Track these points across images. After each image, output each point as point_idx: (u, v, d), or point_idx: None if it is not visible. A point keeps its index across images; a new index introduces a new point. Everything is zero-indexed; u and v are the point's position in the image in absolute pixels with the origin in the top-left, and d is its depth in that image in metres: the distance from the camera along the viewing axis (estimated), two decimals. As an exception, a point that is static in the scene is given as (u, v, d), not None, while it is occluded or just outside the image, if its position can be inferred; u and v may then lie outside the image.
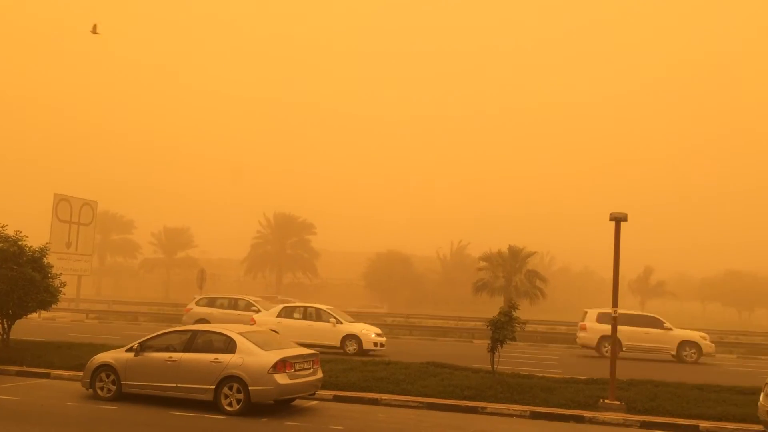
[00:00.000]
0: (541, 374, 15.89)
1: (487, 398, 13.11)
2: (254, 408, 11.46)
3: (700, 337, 24.29)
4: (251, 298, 27.00)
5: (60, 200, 40.55)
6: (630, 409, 12.51)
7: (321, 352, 14.56)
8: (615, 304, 13.29)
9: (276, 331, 17.22)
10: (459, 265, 74.50)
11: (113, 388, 12.36)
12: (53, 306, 18.06)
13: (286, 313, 22.66)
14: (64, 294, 18.30)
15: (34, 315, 19.66)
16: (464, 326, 37.61)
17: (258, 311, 24.42)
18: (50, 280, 17.35)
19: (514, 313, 14.15)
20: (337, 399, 13.28)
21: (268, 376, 11.28)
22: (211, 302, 26.57)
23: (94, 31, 31.32)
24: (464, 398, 13.18)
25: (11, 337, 17.30)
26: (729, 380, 16.30)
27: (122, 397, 12.24)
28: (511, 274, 40.13)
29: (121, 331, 26.77)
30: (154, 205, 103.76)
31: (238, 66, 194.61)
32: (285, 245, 74.81)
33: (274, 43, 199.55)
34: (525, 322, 14.51)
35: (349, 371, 15.10)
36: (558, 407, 12.66)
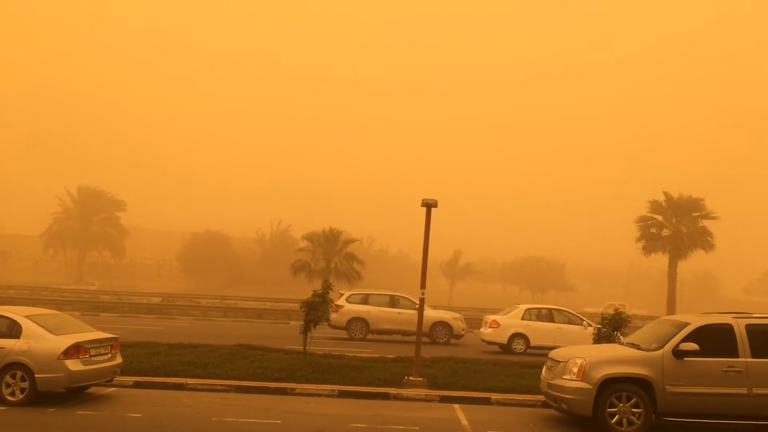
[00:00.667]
0: (352, 354, 16.23)
1: (297, 379, 13.14)
2: (42, 397, 10.47)
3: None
4: (406, 295, 24.36)
5: None
6: (432, 385, 13.19)
7: None
8: (423, 285, 13.88)
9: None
10: (279, 246, 74.08)
11: None
12: None
13: (534, 315, 21.77)
14: None
15: None
16: (281, 308, 37.47)
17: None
18: None
19: (327, 295, 14.27)
20: (138, 385, 12.53)
21: (58, 363, 10.33)
22: (365, 299, 23.59)
23: None
24: (274, 380, 13.08)
25: None
26: (521, 356, 17.78)
27: None
28: (331, 255, 40.59)
29: None
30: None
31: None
32: (90, 222, 69.34)
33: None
34: (338, 305, 14.67)
35: (153, 356, 14.34)
36: (365, 385, 13.00)
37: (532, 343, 20.91)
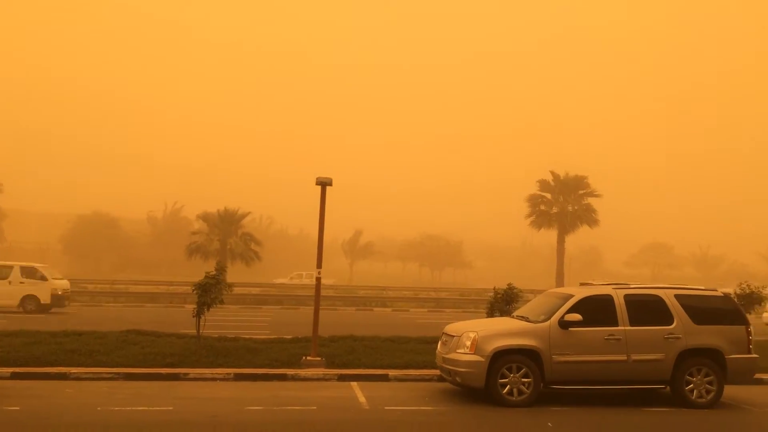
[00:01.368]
0: (248, 336, 15.93)
1: (191, 364, 12.73)
2: None
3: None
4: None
5: None
6: (330, 364, 13.17)
7: None
8: (319, 265, 13.79)
9: None
10: (173, 228, 71.57)
11: None
12: None
13: None
14: None
15: None
16: (176, 291, 36.29)
17: None
18: None
19: (221, 276, 13.88)
20: (16, 376, 11.71)
21: None
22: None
23: None
24: (166, 365, 12.60)
25: None
26: (418, 332, 18.11)
27: None
28: (227, 236, 39.67)
29: None
30: None
31: None
32: (-37, 204, 64.18)
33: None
34: (232, 285, 14.32)
35: (33, 345, 13.45)
36: (262, 367, 12.79)
37: None
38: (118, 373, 12.03)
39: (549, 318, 10.70)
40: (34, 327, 16.51)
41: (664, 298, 11.04)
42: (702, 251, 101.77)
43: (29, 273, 25.88)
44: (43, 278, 25.88)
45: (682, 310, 10.91)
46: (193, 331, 14.43)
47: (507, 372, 10.34)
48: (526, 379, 10.33)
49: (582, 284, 12.19)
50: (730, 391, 11.41)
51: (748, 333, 11.02)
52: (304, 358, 13.24)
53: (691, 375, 10.67)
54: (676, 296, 11.10)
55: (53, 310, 25.78)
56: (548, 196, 44.30)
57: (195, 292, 13.85)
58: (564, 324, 10.54)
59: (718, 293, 11.51)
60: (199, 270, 14.09)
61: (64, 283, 27.17)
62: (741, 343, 10.91)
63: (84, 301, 33.00)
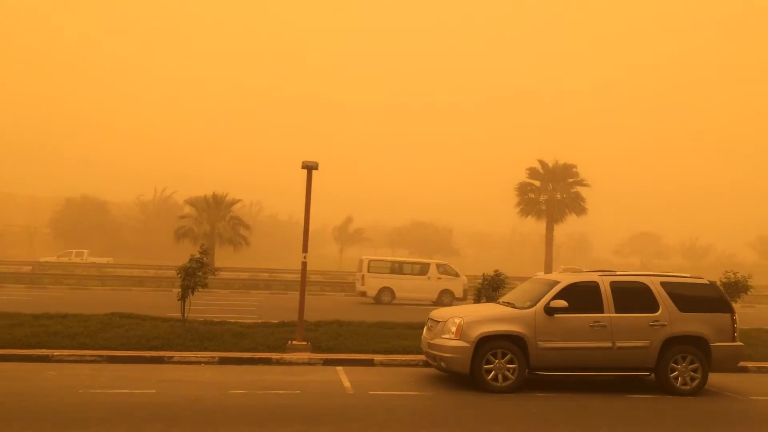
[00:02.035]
0: (234, 320, 15.85)
1: (175, 347, 12.64)
2: None
3: None
4: None
5: None
6: (315, 348, 13.13)
7: None
8: (305, 249, 13.71)
9: None
10: (162, 213, 71.19)
11: None
12: None
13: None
14: None
15: None
16: (164, 275, 36.17)
17: None
18: None
19: (205, 260, 13.77)
20: (-3, 358, 11.60)
21: None
22: None
23: None
24: (150, 348, 12.52)
25: None
26: (405, 317, 18.08)
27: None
28: (215, 221, 39.46)
29: None
30: None
31: None
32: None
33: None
34: (218, 269, 14.23)
35: (15, 327, 13.31)
36: (247, 351, 12.73)
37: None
38: (101, 356, 11.94)
39: (535, 304, 10.68)
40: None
41: (649, 285, 11.04)
42: (691, 241, 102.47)
43: (444, 270, 28.68)
44: (457, 275, 28.37)
45: (668, 298, 10.92)
46: (179, 315, 14.33)
47: (492, 358, 10.32)
48: (511, 365, 10.31)
49: (565, 269, 12.19)
50: (715, 378, 11.47)
51: (733, 321, 11.04)
52: (289, 342, 13.19)
53: (675, 362, 10.70)
54: (662, 284, 11.10)
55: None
56: (537, 183, 44.27)
57: (179, 275, 13.74)
58: (549, 310, 10.52)
59: (704, 281, 11.53)
60: (188, 254, 13.96)
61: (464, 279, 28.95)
62: (726, 331, 10.94)
63: (71, 285, 32.82)
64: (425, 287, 27.94)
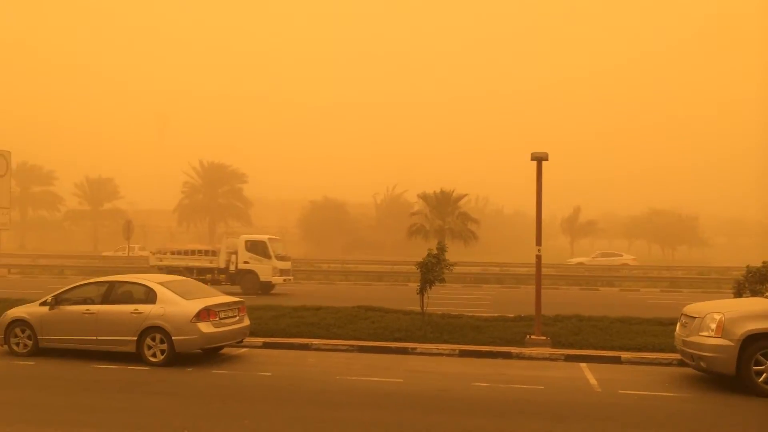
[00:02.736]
0: (471, 314, 16.06)
1: (417, 339, 13.16)
2: (180, 358, 11.15)
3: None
4: None
5: (-32, 152, 37.81)
6: (555, 344, 12.79)
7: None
8: (538, 242, 13.43)
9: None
10: (393, 210, 74.72)
11: (29, 343, 11.86)
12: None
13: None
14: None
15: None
16: (399, 270, 37.90)
17: None
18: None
19: (442, 255, 14.11)
20: (266, 346, 13.06)
21: (192, 326, 10.93)
22: None
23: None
24: (395, 340, 13.19)
25: None
26: (651, 312, 16.88)
27: (40, 352, 11.79)
28: (445, 216, 40.40)
29: (45, 285, 25.59)
30: (73, 155, 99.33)
31: (170, 11, 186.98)
32: (216, 194, 73.14)
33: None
34: (453, 264, 14.50)
35: (279, 318, 14.89)
36: (486, 345, 12.82)
37: None
38: (353, 346, 12.85)
39: (815, 299, 9.29)
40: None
41: None
42: None
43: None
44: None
45: None
46: (417, 308, 14.87)
47: (762, 358, 9.18)
48: (786, 368, 9.08)
49: None
50: None
51: None
52: (528, 336, 13.01)
53: None
54: None
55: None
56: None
57: (418, 270, 14.24)
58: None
59: None
60: (420, 250, 14.46)
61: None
62: None
63: (319, 280, 35.88)
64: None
